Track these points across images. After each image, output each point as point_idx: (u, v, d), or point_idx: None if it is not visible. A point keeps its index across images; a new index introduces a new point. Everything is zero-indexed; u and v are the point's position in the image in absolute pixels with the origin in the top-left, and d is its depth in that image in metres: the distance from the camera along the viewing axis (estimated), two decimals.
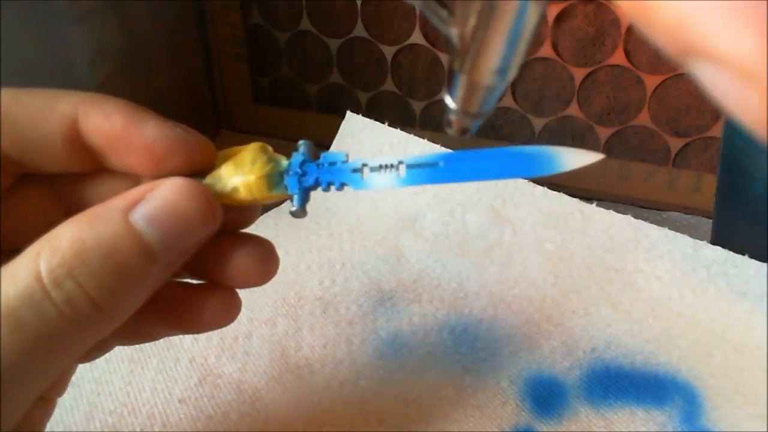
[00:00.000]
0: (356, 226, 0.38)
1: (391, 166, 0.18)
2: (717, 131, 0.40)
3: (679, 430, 0.26)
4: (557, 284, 0.33)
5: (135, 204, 0.16)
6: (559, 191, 0.37)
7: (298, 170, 0.19)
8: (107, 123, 0.17)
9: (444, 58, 0.45)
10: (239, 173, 0.18)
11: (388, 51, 0.46)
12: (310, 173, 0.19)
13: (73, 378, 0.27)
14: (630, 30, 0.40)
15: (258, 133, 0.52)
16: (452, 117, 0.18)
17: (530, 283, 0.33)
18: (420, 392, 0.27)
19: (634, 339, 0.29)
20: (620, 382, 0.27)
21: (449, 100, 0.18)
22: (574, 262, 0.34)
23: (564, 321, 0.31)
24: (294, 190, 0.19)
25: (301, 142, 0.19)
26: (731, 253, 0.31)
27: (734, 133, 0.31)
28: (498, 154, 0.18)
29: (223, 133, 0.53)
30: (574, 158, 0.17)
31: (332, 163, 0.19)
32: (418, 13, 0.44)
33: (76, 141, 0.17)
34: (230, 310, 0.20)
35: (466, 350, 0.29)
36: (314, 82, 0.50)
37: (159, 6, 0.44)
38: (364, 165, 0.18)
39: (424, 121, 0.48)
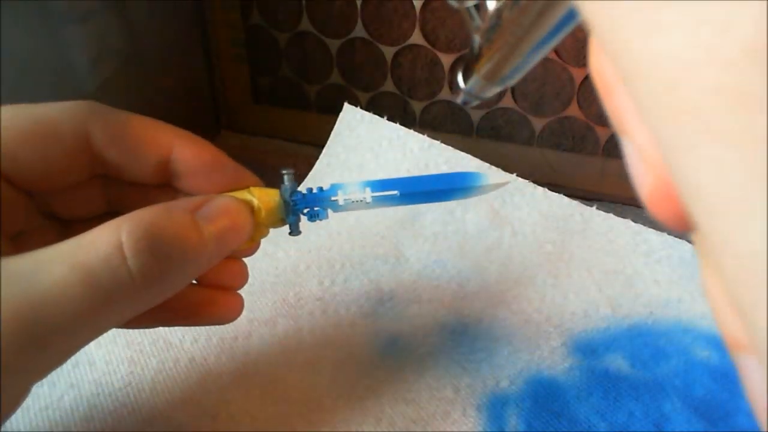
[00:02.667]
0: (355, 226, 0.38)
1: (360, 197, 0.23)
2: None
3: (678, 430, 0.26)
4: (557, 285, 0.33)
5: (198, 207, 0.20)
6: (559, 192, 0.37)
7: (290, 200, 0.23)
8: (200, 155, 0.22)
9: (444, 58, 0.45)
10: (261, 200, 0.22)
11: (388, 51, 0.46)
12: (300, 202, 0.23)
13: (73, 380, 0.28)
14: None
15: (258, 133, 0.52)
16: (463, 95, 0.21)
17: (530, 284, 0.33)
18: (420, 392, 0.27)
19: (633, 341, 0.29)
20: (619, 384, 0.28)
21: (460, 80, 0.21)
22: (574, 264, 0.34)
23: (563, 322, 0.31)
24: (292, 218, 0.23)
25: (285, 172, 0.23)
26: None
27: None
28: (436, 179, 0.23)
29: (224, 134, 0.53)
30: (490, 179, 0.23)
31: (314, 192, 0.23)
32: (418, 13, 0.44)
33: (164, 164, 0.22)
34: (236, 307, 0.24)
35: (465, 350, 0.29)
36: (314, 83, 0.50)
37: (159, 6, 0.44)
38: (339, 190, 0.23)
39: (424, 121, 0.48)
